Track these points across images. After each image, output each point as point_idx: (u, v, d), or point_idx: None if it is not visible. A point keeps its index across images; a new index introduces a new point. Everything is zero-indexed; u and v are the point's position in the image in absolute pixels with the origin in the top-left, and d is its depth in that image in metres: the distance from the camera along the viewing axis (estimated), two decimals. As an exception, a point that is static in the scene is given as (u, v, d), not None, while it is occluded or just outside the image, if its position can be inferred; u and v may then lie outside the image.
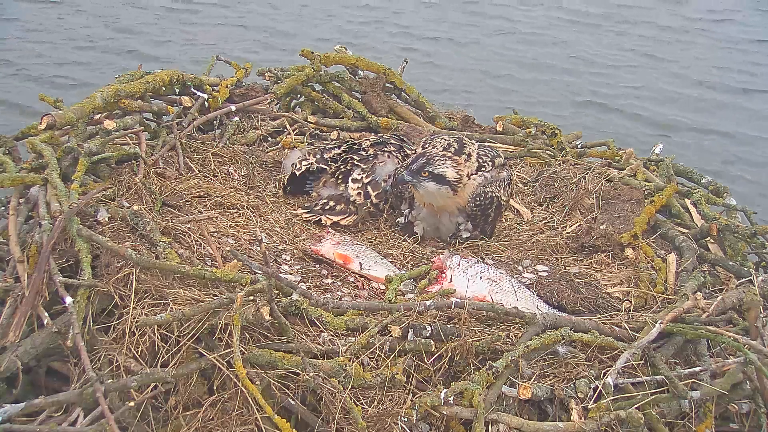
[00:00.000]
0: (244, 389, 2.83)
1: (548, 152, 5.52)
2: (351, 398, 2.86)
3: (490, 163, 4.29)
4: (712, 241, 4.47)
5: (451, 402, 2.94)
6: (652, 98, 10.71)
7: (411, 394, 2.99)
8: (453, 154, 4.17)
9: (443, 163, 4.06)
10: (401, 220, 4.41)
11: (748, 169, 8.75)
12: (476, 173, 4.22)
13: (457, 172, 4.09)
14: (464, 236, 4.31)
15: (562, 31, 13.50)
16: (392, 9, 14.19)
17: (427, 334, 3.12)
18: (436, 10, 14.35)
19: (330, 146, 4.85)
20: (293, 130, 5.36)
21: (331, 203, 4.49)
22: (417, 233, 4.34)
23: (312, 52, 5.63)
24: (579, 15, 14.40)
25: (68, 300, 3.06)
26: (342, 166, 4.61)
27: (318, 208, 4.47)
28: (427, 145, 4.34)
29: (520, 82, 10.92)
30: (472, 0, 14.62)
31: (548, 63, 11.82)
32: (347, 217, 4.40)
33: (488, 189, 4.21)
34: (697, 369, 3.30)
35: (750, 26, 14.41)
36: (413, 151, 4.48)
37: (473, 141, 4.52)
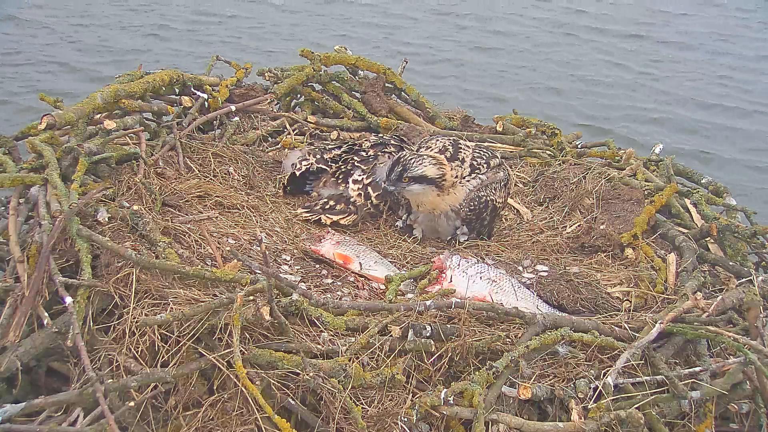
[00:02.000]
0: (244, 389, 2.83)
1: (548, 152, 5.52)
2: (351, 398, 2.86)
3: (485, 165, 4.28)
4: (712, 241, 4.46)
5: (451, 402, 2.94)
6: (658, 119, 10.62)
7: (411, 394, 2.99)
8: (437, 154, 4.15)
9: (420, 164, 4.05)
10: (399, 224, 4.41)
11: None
12: (470, 175, 4.21)
13: (438, 169, 4.07)
14: (462, 239, 4.31)
15: (565, 46, 13.40)
16: (398, 22, 14.13)
17: (427, 334, 3.11)
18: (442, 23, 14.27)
19: (330, 147, 4.85)
20: (293, 130, 5.36)
21: (331, 203, 4.49)
22: (416, 236, 4.34)
23: (312, 52, 5.63)
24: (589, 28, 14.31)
25: (68, 300, 3.06)
26: (342, 166, 4.62)
27: (318, 207, 4.47)
28: (422, 147, 4.34)
29: (525, 99, 10.82)
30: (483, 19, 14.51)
31: (556, 81, 11.71)
32: (347, 216, 4.41)
33: (482, 193, 4.21)
34: (697, 369, 3.30)
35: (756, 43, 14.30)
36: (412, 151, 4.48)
37: (470, 142, 4.52)
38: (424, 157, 4.07)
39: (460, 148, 4.31)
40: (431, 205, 4.21)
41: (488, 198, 4.22)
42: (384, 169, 4.52)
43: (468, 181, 4.21)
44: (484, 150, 4.46)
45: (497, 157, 4.44)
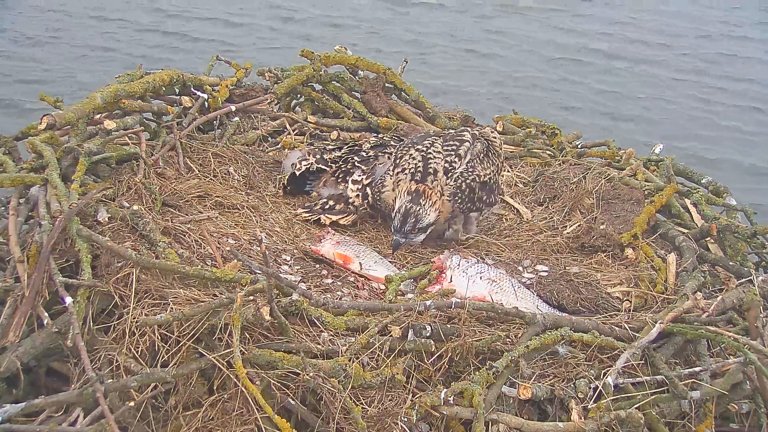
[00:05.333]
0: (244, 389, 2.83)
1: (548, 152, 5.52)
2: (351, 398, 2.86)
3: (457, 159, 4.19)
4: (712, 241, 4.47)
5: (451, 402, 2.94)
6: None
7: (411, 394, 2.99)
8: (421, 193, 4.06)
9: (426, 215, 4.05)
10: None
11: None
12: (446, 178, 4.12)
13: (436, 210, 4.07)
14: (449, 236, 4.28)
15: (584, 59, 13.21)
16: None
17: (427, 334, 3.12)
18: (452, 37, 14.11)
19: (330, 147, 4.85)
20: (293, 130, 5.36)
21: (331, 203, 4.49)
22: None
23: (312, 52, 5.63)
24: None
25: (68, 300, 3.06)
26: (343, 166, 4.62)
27: (318, 207, 4.47)
28: (398, 167, 4.21)
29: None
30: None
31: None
32: (346, 216, 4.40)
33: (462, 184, 4.12)
34: (697, 369, 3.30)
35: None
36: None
37: (436, 138, 4.34)
38: (424, 206, 4.05)
39: (430, 159, 4.16)
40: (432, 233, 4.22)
41: (470, 182, 4.14)
42: (384, 170, 4.52)
43: (449, 186, 4.11)
44: (451, 141, 4.30)
45: (465, 138, 4.31)
